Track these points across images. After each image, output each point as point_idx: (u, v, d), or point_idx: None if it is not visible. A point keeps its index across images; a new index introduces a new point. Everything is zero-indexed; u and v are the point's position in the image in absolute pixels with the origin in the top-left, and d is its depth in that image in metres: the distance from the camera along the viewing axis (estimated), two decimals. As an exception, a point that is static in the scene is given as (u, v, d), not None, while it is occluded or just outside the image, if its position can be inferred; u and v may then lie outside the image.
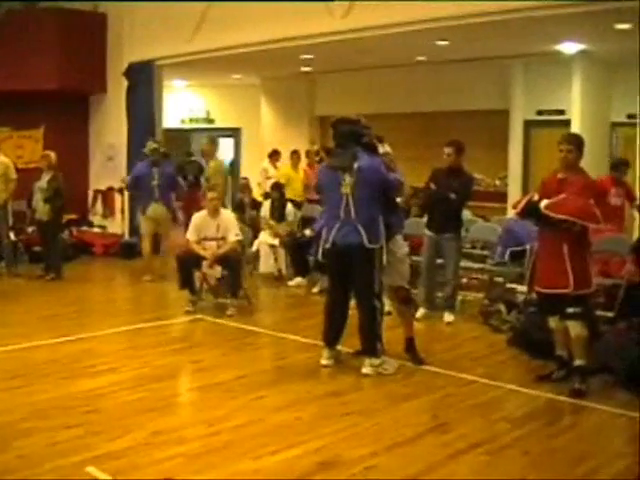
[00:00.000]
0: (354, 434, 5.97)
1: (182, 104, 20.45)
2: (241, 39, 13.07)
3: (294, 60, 14.77)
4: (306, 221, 12.68)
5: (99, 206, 16.68)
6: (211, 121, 21.13)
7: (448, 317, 9.73)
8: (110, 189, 16.25)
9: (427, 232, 9.94)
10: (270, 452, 5.56)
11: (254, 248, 12.69)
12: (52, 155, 12.94)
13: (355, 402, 6.74)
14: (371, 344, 7.55)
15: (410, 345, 8.06)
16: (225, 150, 23.29)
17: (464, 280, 11.36)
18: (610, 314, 8.56)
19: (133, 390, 7.01)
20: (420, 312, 9.76)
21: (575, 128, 12.72)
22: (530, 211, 7.16)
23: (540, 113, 14.46)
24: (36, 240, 13.97)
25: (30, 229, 14.40)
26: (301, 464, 5.37)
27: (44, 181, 12.82)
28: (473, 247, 11.65)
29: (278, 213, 12.83)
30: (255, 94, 18.94)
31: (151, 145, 13.05)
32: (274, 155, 16.55)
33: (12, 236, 13.99)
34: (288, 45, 12.84)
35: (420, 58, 14.67)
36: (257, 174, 16.80)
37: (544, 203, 6.93)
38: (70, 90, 15.86)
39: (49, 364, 7.90)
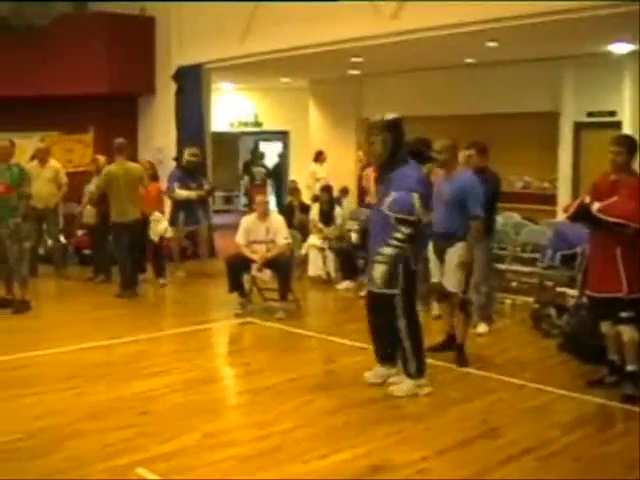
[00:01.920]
0: (404, 438, 5.96)
1: (230, 107, 20.53)
2: (290, 42, 13.11)
3: (343, 63, 14.77)
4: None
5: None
6: (259, 124, 21.21)
7: (481, 328, 9.32)
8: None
9: None
10: (320, 456, 5.57)
11: (303, 251, 12.72)
12: (101, 159, 13.08)
13: (405, 406, 6.72)
14: (403, 365, 7.11)
15: (460, 350, 8.07)
16: (272, 153, 23.54)
17: (514, 284, 11.30)
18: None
19: (185, 392, 7.08)
20: None
21: (627, 130, 12.59)
22: (582, 214, 7.08)
23: (591, 115, 14.31)
24: (85, 243, 14.13)
25: (80, 232, 14.56)
26: (351, 468, 5.37)
27: (93, 185, 12.96)
28: (523, 250, 11.56)
29: (327, 216, 12.84)
30: (303, 97, 18.98)
31: (189, 155, 13.38)
32: (319, 156, 16.58)
33: (62, 239, 14.17)
34: (337, 48, 12.85)
35: (469, 60, 14.61)
36: (305, 177, 16.85)
37: (596, 206, 6.86)
38: (119, 93, 16.03)
39: (101, 366, 7.98)
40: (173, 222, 13.22)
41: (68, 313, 10.82)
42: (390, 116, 6.87)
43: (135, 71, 16.21)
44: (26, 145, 14.49)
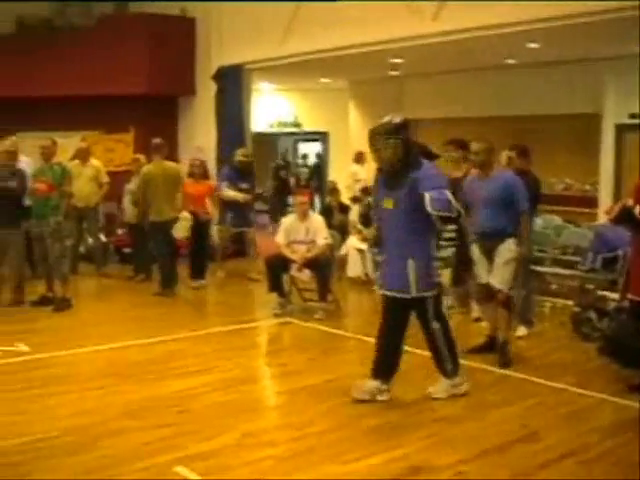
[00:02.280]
0: (442, 441, 5.94)
1: (270, 108, 20.56)
2: (330, 43, 13.10)
3: (383, 64, 14.74)
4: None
5: (187, 209, 16.88)
6: (298, 125, 21.21)
7: (520, 331, 9.23)
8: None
9: None
10: (358, 457, 5.56)
11: (342, 252, 12.71)
12: (142, 159, 13.16)
13: (443, 408, 6.69)
14: (439, 366, 7.03)
15: (503, 348, 8.08)
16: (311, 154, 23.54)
17: (554, 286, 11.22)
18: None
19: (224, 392, 7.11)
20: None
21: (670, 132, 12.47)
22: (624, 217, 7.04)
23: (633, 117, 14.16)
24: (126, 242, 14.23)
25: (120, 231, 14.67)
26: (389, 469, 5.37)
27: (133, 184, 13.05)
28: (564, 253, 11.48)
29: (367, 217, 12.80)
30: (342, 98, 18.95)
31: (240, 155, 13.29)
32: (360, 157, 16.57)
33: (102, 237, 14.29)
34: (378, 49, 12.83)
35: (510, 61, 14.52)
36: (344, 178, 16.83)
37: (639, 209, 6.80)
38: (160, 94, 16.13)
39: (140, 364, 8.03)
40: (221, 222, 13.28)
41: (108, 311, 10.91)
42: (398, 119, 6.69)
43: (176, 71, 16.30)
44: (67, 144, 14.63)
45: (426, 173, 6.52)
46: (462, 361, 8.03)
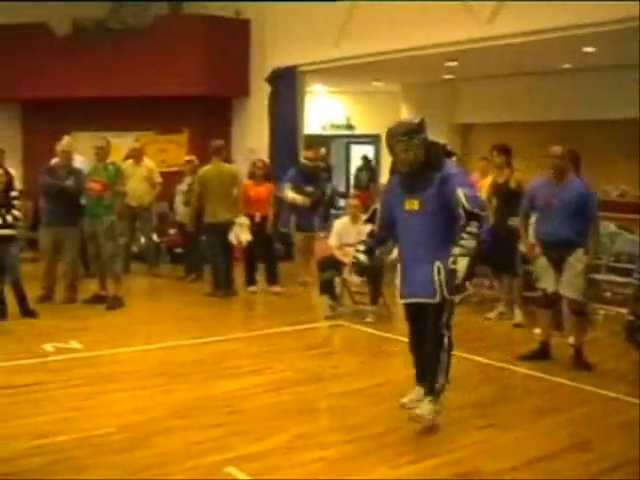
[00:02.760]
0: (493, 447, 5.91)
1: (323, 110, 20.58)
2: (384, 46, 13.10)
3: (437, 67, 14.71)
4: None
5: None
6: (351, 127, 21.21)
7: (572, 339, 8.82)
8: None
9: None
10: (408, 461, 5.56)
11: (394, 256, 12.65)
12: (195, 160, 13.25)
13: (495, 415, 6.65)
14: (431, 380, 6.39)
15: (579, 354, 8.12)
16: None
17: (607, 294, 11.09)
18: None
19: (275, 393, 7.13)
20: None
21: None
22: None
23: (690, 122, 13.98)
24: (177, 242, 14.32)
25: (172, 231, 14.77)
26: (440, 474, 5.35)
27: (185, 184, 13.14)
28: (617, 260, 11.34)
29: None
30: (395, 101, 18.91)
31: (304, 158, 13.00)
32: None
33: (155, 237, 14.40)
34: (432, 52, 12.81)
35: (566, 65, 14.41)
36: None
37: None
38: (213, 95, 16.20)
39: (192, 364, 8.08)
40: (283, 226, 12.93)
41: (160, 311, 10.99)
42: (417, 118, 6.44)
43: (230, 73, 16.37)
44: (121, 144, 14.76)
45: (452, 171, 6.28)
46: (513, 367, 8.02)
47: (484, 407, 6.85)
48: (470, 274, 6.11)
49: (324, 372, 8.02)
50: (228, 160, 12.68)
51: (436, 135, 18.09)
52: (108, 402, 6.84)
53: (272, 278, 12.33)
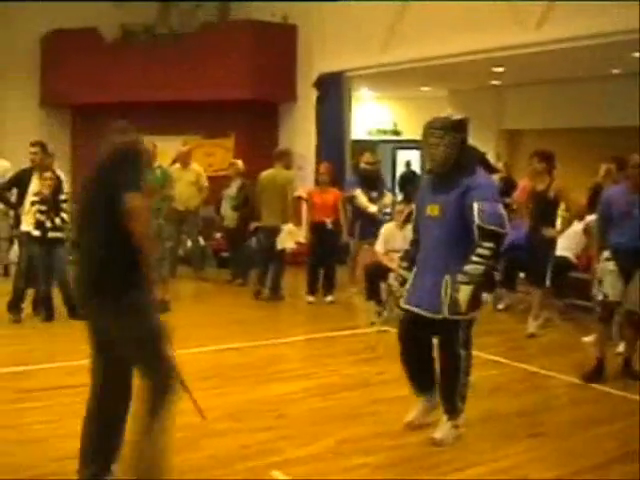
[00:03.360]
0: (539, 456, 5.86)
1: (369, 115, 20.57)
2: (431, 51, 13.10)
3: (484, 72, 14.66)
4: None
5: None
6: (397, 133, 21.16)
7: (622, 347, 8.69)
8: (299, 198, 16.47)
9: None
10: (455, 469, 5.54)
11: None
12: (239, 163, 13.33)
13: (543, 423, 6.62)
14: (447, 402, 6.17)
15: (627, 363, 8.02)
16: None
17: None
18: None
19: (322, 397, 7.15)
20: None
21: None
22: None
23: None
24: (224, 246, 14.39)
25: (218, 235, 14.85)
26: (488, 483, 5.33)
27: (233, 189, 13.22)
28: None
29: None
30: (442, 106, 18.73)
31: (364, 163, 12.40)
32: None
33: (201, 241, 14.47)
34: (479, 57, 12.77)
35: (615, 71, 14.27)
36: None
37: None
38: (260, 99, 16.28)
39: (241, 367, 8.12)
40: (349, 234, 12.34)
41: (207, 314, 11.05)
42: (457, 116, 6.11)
43: (277, 78, 16.44)
44: (168, 148, 14.87)
45: (479, 181, 5.90)
46: (561, 376, 7.93)
47: (530, 415, 6.80)
48: (475, 301, 5.81)
49: (370, 378, 8.01)
50: (289, 167, 12.60)
51: (483, 141, 18.17)
52: (156, 404, 6.88)
53: (329, 287, 12.08)
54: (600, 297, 8.03)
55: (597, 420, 6.74)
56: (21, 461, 5.54)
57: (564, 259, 11.07)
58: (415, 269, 6.21)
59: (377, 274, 10.34)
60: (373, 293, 10.41)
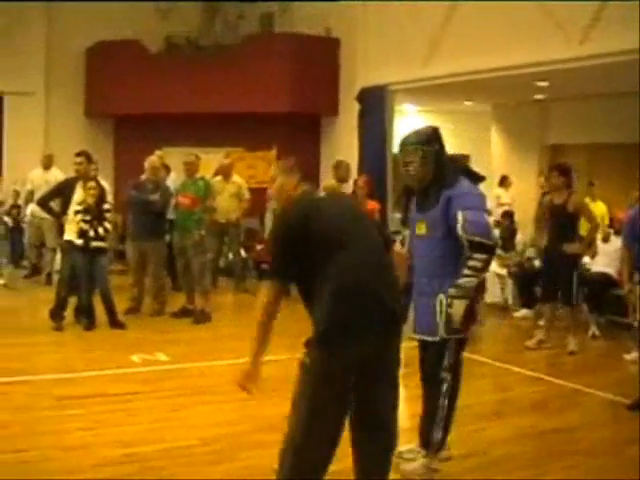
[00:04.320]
0: (580, 473, 5.81)
1: (411, 129, 20.49)
2: (474, 65, 13.03)
3: (528, 87, 14.57)
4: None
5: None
6: (440, 147, 21.10)
7: None
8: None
9: None
10: (494, 485, 5.49)
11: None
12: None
13: (582, 440, 6.56)
14: (424, 432, 5.78)
15: None
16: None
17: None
18: None
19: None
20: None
21: None
22: None
23: None
24: (265, 257, 14.40)
25: (259, 247, 14.87)
26: (526, 500, 5.28)
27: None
28: None
29: (507, 242, 12.62)
30: (485, 121, 18.78)
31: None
32: (504, 181, 16.41)
33: (242, 253, 14.50)
34: (523, 72, 12.69)
35: (660, 86, 14.13)
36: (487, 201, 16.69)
37: None
38: (302, 112, 16.32)
39: (279, 379, 7.99)
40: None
41: (247, 326, 10.95)
42: (430, 127, 5.87)
43: (319, 91, 16.47)
44: (211, 160, 14.95)
45: (461, 190, 5.54)
46: (602, 393, 7.83)
47: (570, 433, 6.75)
48: (470, 316, 5.47)
49: (409, 392, 7.97)
50: (344, 179, 12.51)
51: (527, 156, 17.95)
52: (194, 414, 6.92)
53: None
54: (636, 324, 7.97)
55: (635, 439, 6.63)
56: (61, 466, 5.60)
57: (605, 275, 11.00)
58: (414, 293, 5.85)
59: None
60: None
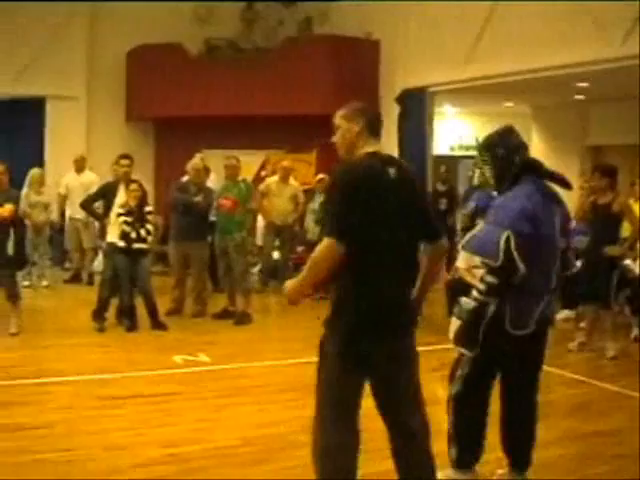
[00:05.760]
0: (623, 477, 5.77)
1: (451, 131, 20.48)
2: (514, 67, 12.97)
3: (568, 88, 14.48)
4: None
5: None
6: (479, 149, 21.00)
7: None
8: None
9: None
10: (536, 488, 5.46)
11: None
12: (327, 179, 13.36)
13: (625, 443, 6.49)
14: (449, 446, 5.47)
15: None
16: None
17: None
18: None
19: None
20: None
21: None
22: None
23: None
24: (306, 259, 14.40)
25: (300, 249, 14.89)
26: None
27: (316, 203, 13.27)
28: None
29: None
30: (525, 122, 18.61)
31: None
32: (545, 182, 16.31)
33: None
34: (563, 72, 12.62)
35: (703, 87, 13.99)
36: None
37: None
38: (342, 115, 16.27)
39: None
40: None
41: (288, 327, 11.08)
42: (493, 132, 5.43)
43: (358, 93, 16.33)
44: (251, 162, 15.01)
45: (505, 199, 5.13)
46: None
47: (612, 436, 6.70)
48: (467, 340, 5.21)
49: (442, 393, 7.97)
50: None
51: (568, 157, 17.84)
52: (236, 415, 6.96)
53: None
54: None
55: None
56: (103, 466, 5.66)
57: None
58: None
59: (459, 290, 10.24)
60: (454, 309, 10.31)
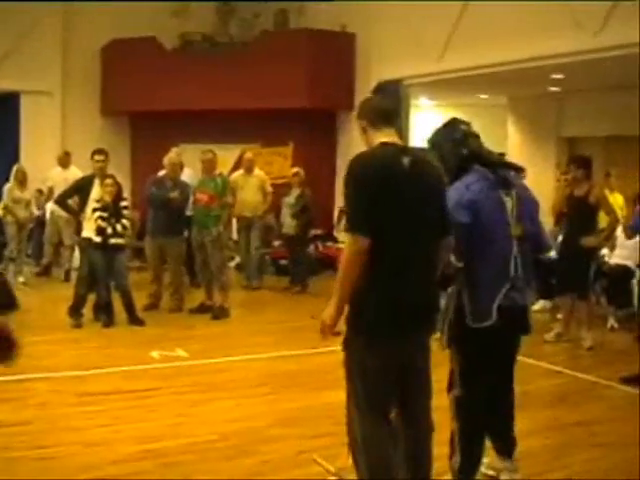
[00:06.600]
0: (604, 466, 5.78)
1: (427, 123, 20.48)
2: (489, 59, 12.98)
3: (543, 79, 14.50)
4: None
5: (344, 223, 16.90)
6: (456, 141, 21.02)
7: None
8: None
9: None
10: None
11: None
12: (302, 172, 13.35)
13: (605, 433, 6.51)
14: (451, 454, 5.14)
15: None
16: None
17: None
18: None
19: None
20: None
21: None
22: None
23: None
24: (282, 253, 14.41)
25: (276, 243, 14.88)
26: (549, 491, 5.26)
27: (292, 197, 13.24)
28: None
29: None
30: (500, 114, 18.69)
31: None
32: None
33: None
34: (538, 64, 12.64)
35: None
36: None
37: None
38: (318, 108, 16.27)
39: (296, 374, 8.12)
40: None
41: (264, 321, 11.06)
42: (438, 126, 5.46)
43: (335, 86, 16.43)
44: (228, 157, 14.96)
45: (451, 189, 4.89)
46: (621, 386, 7.78)
47: (591, 425, 6.70)
48: (452, 336, 4.99)
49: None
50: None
51: (543, 148, 17.86)
52: (213, 410, 6.94)
53: None
54: None
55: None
56: (82, 463, 5.63)
57: (624, 268, 10.93)
58: None
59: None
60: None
